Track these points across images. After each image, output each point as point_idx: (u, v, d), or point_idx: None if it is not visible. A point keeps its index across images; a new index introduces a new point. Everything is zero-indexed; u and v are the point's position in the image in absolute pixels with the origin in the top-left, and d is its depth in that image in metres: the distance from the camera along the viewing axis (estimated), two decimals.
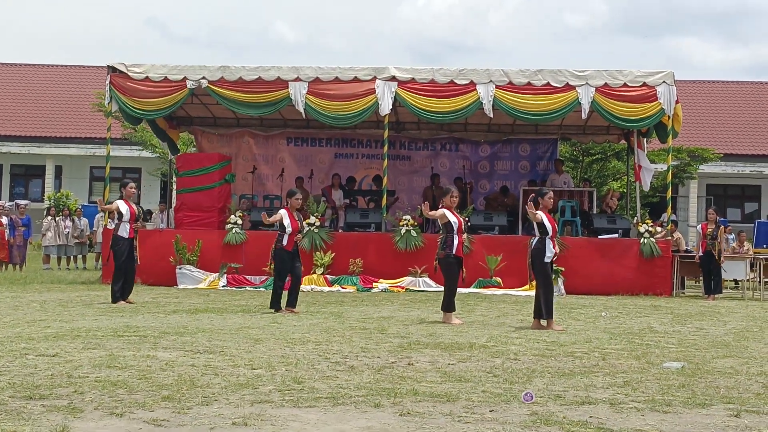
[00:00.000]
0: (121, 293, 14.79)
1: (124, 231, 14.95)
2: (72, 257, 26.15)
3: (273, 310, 13.71)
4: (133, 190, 15.44)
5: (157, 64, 20.30)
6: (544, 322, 12.10)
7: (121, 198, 15.22)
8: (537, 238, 12.23)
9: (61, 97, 40.37)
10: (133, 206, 15.15)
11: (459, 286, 13.16)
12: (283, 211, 13.89)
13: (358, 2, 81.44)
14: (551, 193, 12.68)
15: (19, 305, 14.15)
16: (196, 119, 24.24)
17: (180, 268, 19.40)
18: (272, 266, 14.13)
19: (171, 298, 16.36)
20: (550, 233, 12.17)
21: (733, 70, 78.83)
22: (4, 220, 24.04)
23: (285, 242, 13.81)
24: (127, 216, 14.93)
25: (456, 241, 12.70)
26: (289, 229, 13.75)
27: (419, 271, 19.08)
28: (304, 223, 16.07)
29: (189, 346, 9.59)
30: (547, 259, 12.16)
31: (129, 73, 20.21)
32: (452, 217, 12.75)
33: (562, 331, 11.83)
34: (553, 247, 12.23)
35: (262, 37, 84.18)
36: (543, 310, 12.05)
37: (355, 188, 23.72)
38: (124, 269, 14.89)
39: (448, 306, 12.65)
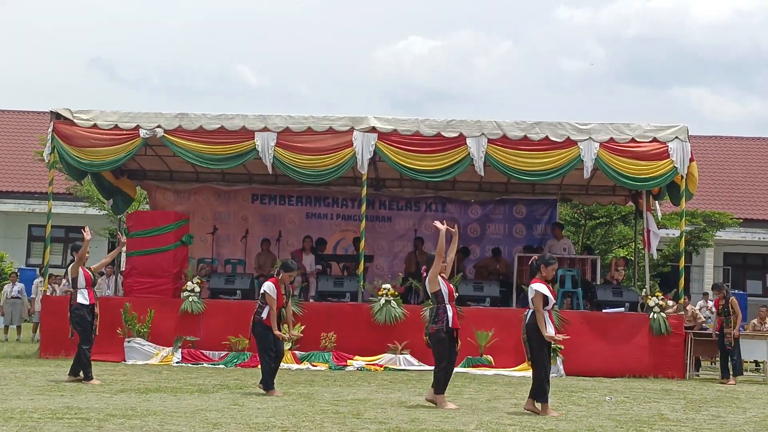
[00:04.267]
0: (74, 370, 14.91)
1: (83, 298, 15.04)
2: (3, 328, 25.98)
3: (265, 392, 13.62)
4: (87, 255, 15.53)
5: (106, 110, 20.43)
6: (538, 405, 12.15)
7: (72, 262, 15.36)
8: (531, 311, 12.28)
9: None
10: (88, 270, 15.29)
11: None
12: (270, 285, 13.95)
13: (328, 45, 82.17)
14: (556, 264, 12.73)
15: None
16: (150, 172, 24.29)
17: (129, 341, 19.30)
18: (254, 340, 14.20)
19: (118, 375, 16.27)
20: (550, 306, 12.25)
21: (748, 125, 79.65)
22: None
23: (265, 316, 13.85)
24: (83, 282, 15.07)
25: (450, 312, 12.64)
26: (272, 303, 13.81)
27: (400, 348, 19.06)
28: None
29: (138, 430, 9.54)
30: (550, 333, 12.21)
31: (75, 120, 20.31)
32: (444, 286, 12.69)
33: (559, 416, 11.87)
34: (551, 321, 12.30)
35: (222, 82, 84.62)
36: (537, 391, 12.13)
37: (326, 252, 23.75)
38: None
39: (440, 386, 12.59)
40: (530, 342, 12.26)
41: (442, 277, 12.75)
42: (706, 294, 28.73)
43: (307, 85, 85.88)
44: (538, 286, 12.20)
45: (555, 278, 20.36)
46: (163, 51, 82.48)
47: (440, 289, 12.64)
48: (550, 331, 12.15)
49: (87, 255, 15.40)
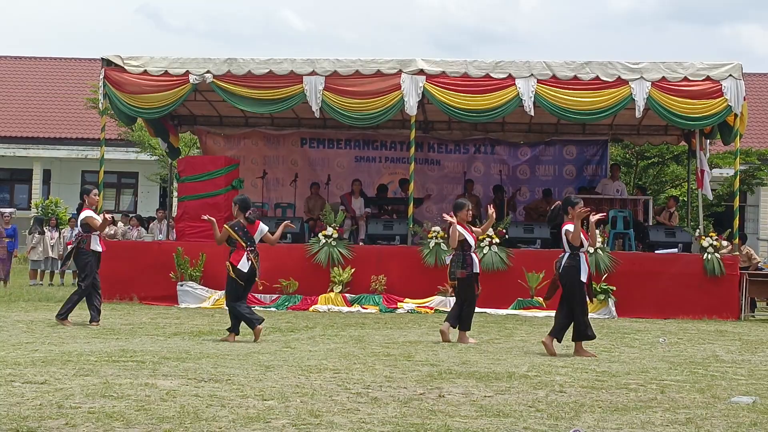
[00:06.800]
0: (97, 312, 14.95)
1: (96, 244, 15.01)
2: (60, 273, 26.32)
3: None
4: (97, 198, 15.55)
5: (156, 56, 20.43)
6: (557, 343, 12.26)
7: (84, 207, 15.29)
8: (567, 254, 12.21)
9: (51, 94, 40.69)
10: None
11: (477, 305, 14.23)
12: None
13: None
14: (581, 202, 12.53)
15: (3, 326, 14.24)
16: (200, 118, 24.36)
17: (181, 285, 19.46)
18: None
19: (171, 318, 16.42)
20: (586, 246, 12.31)
21: None
22: None
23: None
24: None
25: (476, 259, 13.61)
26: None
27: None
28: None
29: (192, 373, 9.61)
30: (584, 278, 12.11)
31: (125, 67, 20.35)
32: (468, 236, 13.52)
33: (593, 356, 11.85)
34: (586, 263, 12.26)
35: (267, 27, 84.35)
36: (577, 331, 12.13)
37: (382, 196, 23.67)
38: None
39: (468, 325, 13.63)
40: (566, 285, 12.13)
41: (466, 228, 13.56)
42: None
43: (352, 29, 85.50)
44: (568, 226, 12.24)
45: (606, 219, 20.26)
46: None
47: (465, 239, 13.48)
48: (584, 272, 12.16)
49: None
